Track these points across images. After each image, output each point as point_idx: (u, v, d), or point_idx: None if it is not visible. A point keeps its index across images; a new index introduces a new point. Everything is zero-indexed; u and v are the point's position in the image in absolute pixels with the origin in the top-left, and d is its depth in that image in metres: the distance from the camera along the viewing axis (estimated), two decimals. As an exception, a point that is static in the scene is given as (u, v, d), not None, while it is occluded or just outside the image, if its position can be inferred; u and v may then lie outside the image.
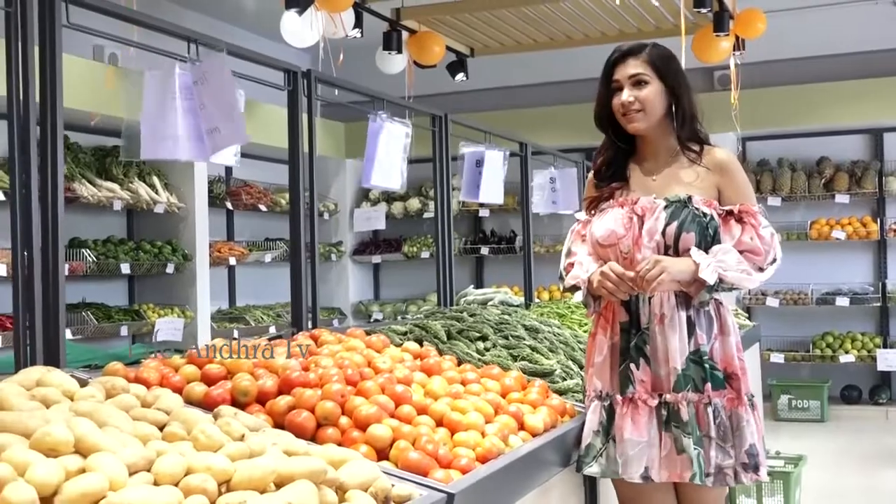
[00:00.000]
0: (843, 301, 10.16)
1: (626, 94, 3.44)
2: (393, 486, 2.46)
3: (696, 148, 3.49)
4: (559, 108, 10.33)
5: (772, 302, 10.42)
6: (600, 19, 7.87)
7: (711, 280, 3.25)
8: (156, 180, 8.16)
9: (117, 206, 7.78)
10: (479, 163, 5.87)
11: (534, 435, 3.35)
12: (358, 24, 7.16)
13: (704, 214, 3.35)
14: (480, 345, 4.25)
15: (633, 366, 3.43)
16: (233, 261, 9.53)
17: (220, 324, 9.14)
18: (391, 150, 4.92)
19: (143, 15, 3.62)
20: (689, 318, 3.38)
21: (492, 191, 5.99)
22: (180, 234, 8.50)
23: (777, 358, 10.35)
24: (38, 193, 3.09)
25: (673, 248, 3.36)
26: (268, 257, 10.06)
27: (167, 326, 7.81)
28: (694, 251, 3.30)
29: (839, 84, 9.95)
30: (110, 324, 7.71)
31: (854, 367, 10.33)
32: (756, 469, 3.35)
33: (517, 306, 5.89)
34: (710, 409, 3.34)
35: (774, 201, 10.37)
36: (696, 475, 3.31)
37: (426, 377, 3.52)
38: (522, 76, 11.11)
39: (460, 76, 8.67)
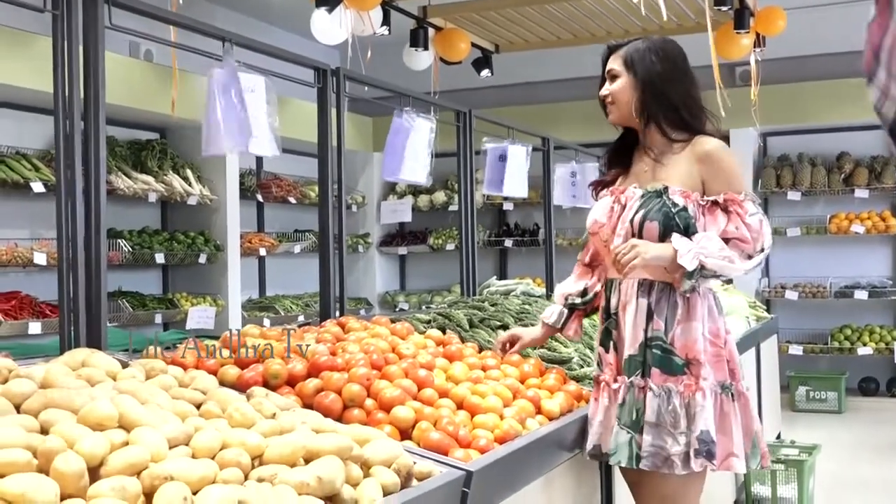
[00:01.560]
0: (861, 294, 10.19)
1: (603, 88, 3.58)
2: (415, 463, 2.59)
3: (681, 137, 3.50)
4: (581, 103, 10.41)
5: (791, 295, 10.46)
6: (623, 17, 7.99)
7: (690, 266, 3.24)
8: (189, 173, 8.34)
9: (152, 197, 7.97)
10: (503, 157, 6.02)
11: (550, 419, 3.50)
12: (385, 21, 7.31)
13: (675, 205, 3.37)
14: (501, 333, 4.40)
15: (602, 349, 3.58)
16: (263, 251, 9.68)
17: (251, 312, 9.30)
18: (416, 146, 5.07)
19: (181, 16, 3.79)
20: (649, 305, 3.41)
21: (516, 185, 6.14)
22: (212, 226, 8.67)
23: (795, 350, 10.41)
24: (81, 185, 3.26)
25: (638, 237, 3.39)
26: (297, 248, 10.21)
27: (199, 315, 7.98)
28: (675, 237, 3.31)
29: (859, 80, 9.81)
30: (145, 311, 7.89)
31: (872, 359, 10.37)
32: (709, 456, 3.29)
33: (538, 297, 6.02)
34: (650, 395, 3.36)
35: (794, 195, 10.43)
36: (615, 454, 3.39)
37: (448, 363, 3.68)
38: (545, 72, 11.18)
39: (485, 72, 8.80)
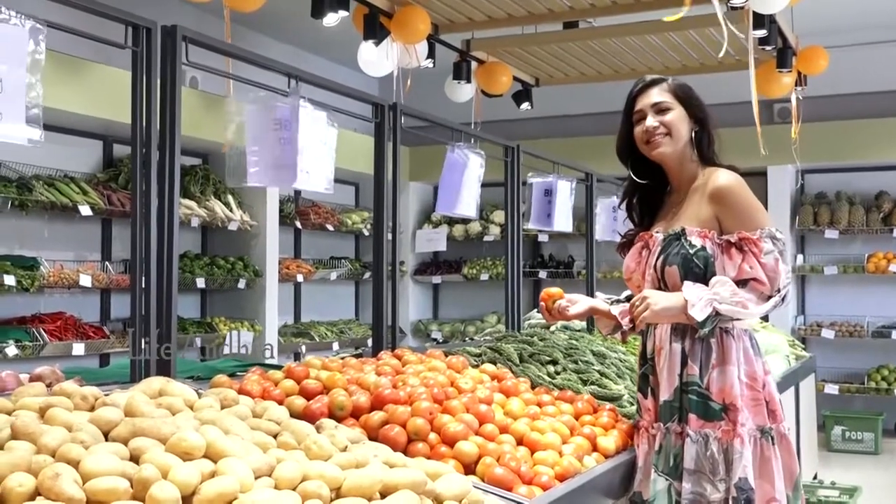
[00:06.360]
0: (899, 335, 10.17)
1: (651, 120, 3.47)
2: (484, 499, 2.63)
3: (705, 174, 3.48)
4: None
5: (827, 333, 10.41)
6: (665, 53, 8.04)
7: (701, 317, 3.22)
8: (231, 199, 8.43)
9: (194, 222, 8.06)
10: (549, 192, 6.06)
11: (606, 456, 3.51)
12: (430, 54, 7.39)
13: (692, 245, 3.35)
14: (551, 368, 4.42)
15: (640, 395, 3.60)
16: (300, 278, 9.76)
17: (287, 338, 9.36)
18: (468, 180, 5.13)
19: (253, 54, 3.84)
20: (683, 349, 3.38)
21: (562, 219, 6.19)
22: (251, 251, 8.77)
23: (831, 389, 10.35)
24: (155, 212, 3.33)
25: (661, 282, 3.41)
26: (333, 275, 10.28)
27: (237, 339, 8.05)
28: (686, 286, 3.29)
29: (899, 119, 10.03)
30: (184, 335, 7.96)
31: (909, 401, 10.31)
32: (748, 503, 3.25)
33: (579, 331, 6.04)
34: (688, 441, 3.34)
35: (832, 234, 10.41)
36: (654, 502, 3.36)
37: (504, 398, 3.71)
38: (583, 105, 11.23)
39: (525, 105, 8.86)
